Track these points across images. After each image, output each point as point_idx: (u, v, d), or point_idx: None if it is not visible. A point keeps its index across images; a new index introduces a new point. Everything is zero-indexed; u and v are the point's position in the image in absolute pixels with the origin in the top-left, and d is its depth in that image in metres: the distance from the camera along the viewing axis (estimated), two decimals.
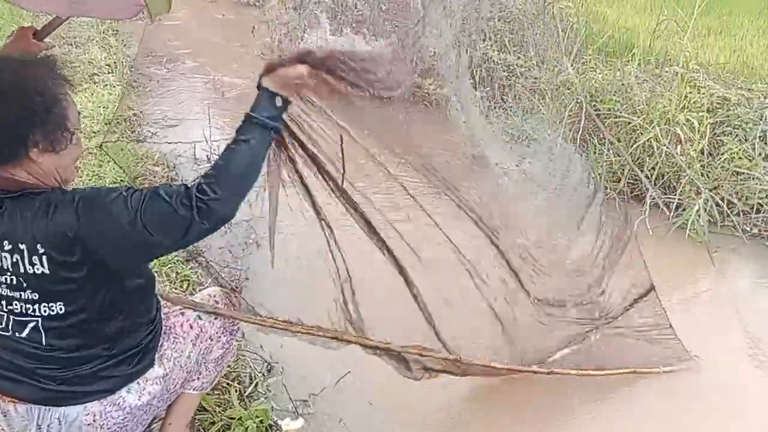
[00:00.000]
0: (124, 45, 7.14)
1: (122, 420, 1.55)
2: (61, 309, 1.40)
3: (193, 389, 1.85)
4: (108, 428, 1.53)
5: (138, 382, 1.57)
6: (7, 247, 1.36)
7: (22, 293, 1.38)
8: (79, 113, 1.45)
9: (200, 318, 1.80)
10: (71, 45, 6.72)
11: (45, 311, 1.40)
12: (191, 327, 1.76)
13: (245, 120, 1.46)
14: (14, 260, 1.36)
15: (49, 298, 1.39)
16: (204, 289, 2.30)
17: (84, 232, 1.35)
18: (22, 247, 1.35)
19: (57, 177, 1.41)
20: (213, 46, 7.84)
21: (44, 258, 1.35)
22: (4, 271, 1.38)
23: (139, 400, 1.57)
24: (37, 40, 1.94)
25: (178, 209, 1.33)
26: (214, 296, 1.91)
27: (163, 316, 1.73)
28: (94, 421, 1.50)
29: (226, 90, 6.07)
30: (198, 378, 1.84)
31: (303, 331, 1.96)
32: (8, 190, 1.38)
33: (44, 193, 1.39)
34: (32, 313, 1.40)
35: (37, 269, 1.36)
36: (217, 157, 1.44)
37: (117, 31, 7.39)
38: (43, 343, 1.42)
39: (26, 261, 1.35)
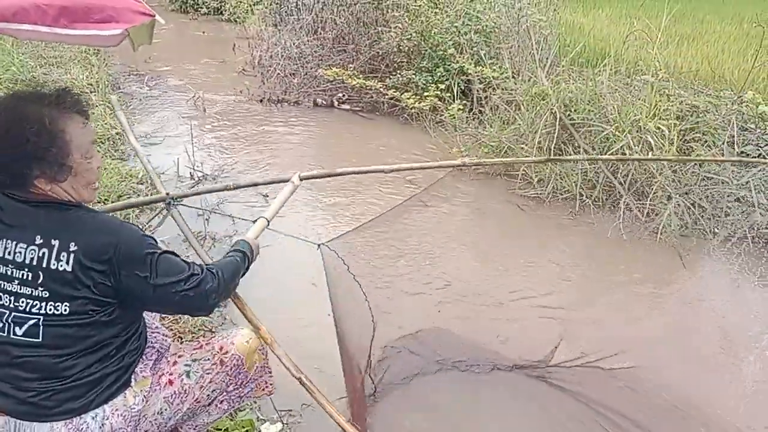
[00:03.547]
0: (106, 64, 7.20)
1: None
2: (65, 310, 1.45)
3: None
4: None
5: (104, 408, 1.51)
6: (38, 240, 1.43)
7: (34, 290, 1.44)
8: (94, 141, 1.54)
9: (188, 376, 1.67)
10: (53, 65, 6.76)
11: (50, 309, 1.45)
12: (170, 383, 1.65)
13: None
14: (41, 254, 1.43)
15: (57, 297, 1.45)
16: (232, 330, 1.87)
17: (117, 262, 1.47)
18: (54, 242, 1.43)
19: (71, 198, 1.50)
20: (194, 63, 7.92)
21: (72, 256, 1.43)
22: (20, 266, 1.44)
23: (100, 429, 1.51)
24: None
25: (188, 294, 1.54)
26: (226, 351, 1.74)
27: (157, 348, 1.68)
28: None
29: (207, 106, 6.15)
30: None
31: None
32: (35, 200, 1.47)
33: (82, 208, 1.52)
34: (36, 311, 1.44)
35: (60, 266, 1.43)
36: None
37: (98, 51, 7.43)
38: (40, 338, 1.45)
39: (53, 256, 1.43)
